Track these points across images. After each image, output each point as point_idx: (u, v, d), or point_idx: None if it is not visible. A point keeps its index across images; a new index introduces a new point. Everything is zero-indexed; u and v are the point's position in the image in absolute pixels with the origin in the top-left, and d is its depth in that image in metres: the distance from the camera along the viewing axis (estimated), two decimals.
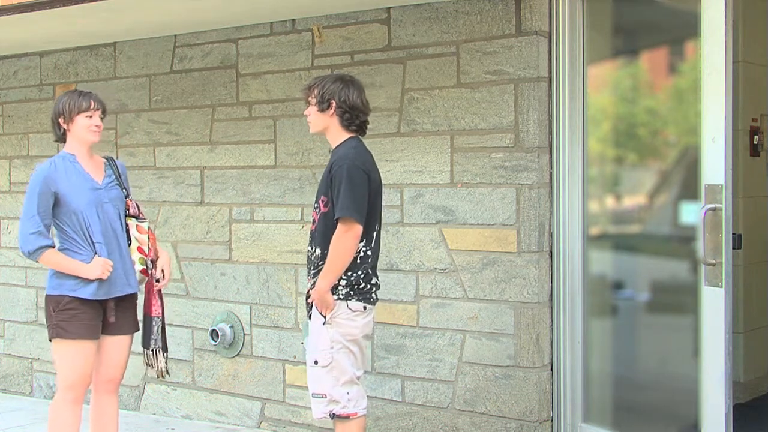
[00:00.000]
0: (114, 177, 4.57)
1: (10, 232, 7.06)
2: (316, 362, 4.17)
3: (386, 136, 5.29)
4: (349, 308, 4.18)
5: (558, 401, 4.92)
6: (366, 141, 5.35)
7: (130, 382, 6.39)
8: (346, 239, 4.09)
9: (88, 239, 4.39)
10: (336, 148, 4.27)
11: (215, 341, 5.96)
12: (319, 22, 5.54)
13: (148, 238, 4.59)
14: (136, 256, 4.56)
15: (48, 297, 4.43)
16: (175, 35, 6.15)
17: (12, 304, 7.07)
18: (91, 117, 4.45)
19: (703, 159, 4.04)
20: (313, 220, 4.27)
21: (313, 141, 5.56)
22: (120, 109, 6.43)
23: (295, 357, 5.70)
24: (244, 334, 5.91)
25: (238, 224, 5.94)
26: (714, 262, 3.99)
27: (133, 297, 4.58)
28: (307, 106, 4.33)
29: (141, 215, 4.62)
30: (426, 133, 5.18)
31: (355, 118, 4.27)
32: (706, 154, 4.00)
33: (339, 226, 4.09)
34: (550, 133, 4.89)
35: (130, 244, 4.55)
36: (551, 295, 4.91)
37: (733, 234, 4.02)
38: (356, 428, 4.25)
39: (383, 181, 5.13)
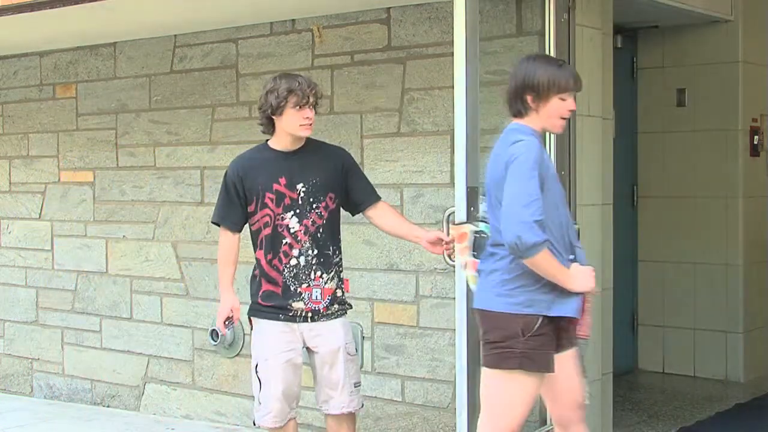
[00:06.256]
0: None
1: (10, 232, 7.06)
2: None
3: (386, 136, 5.28)
4: None
5: None
6: (365, 141, 5.37)
7: (129, 382, 6.39)
8: None
9: (566, 241, 3.46)
10: None
11: (215, 341, 5.96)
12: (319, 22, 5.53)
13: None
14: None
15: (509, 316, 3.39)
16: (175, 35, 6.15)
17: (12, 304, 7.06)
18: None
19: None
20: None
21: None
22: (120, 109, 6.43)
23: None
24: (244, 334, 5.90)
25: None
26: (453, 263, 4.19)
27: None
28: None
29: None
30: (426, 133, 5.17)
31: None
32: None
33: None
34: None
35: None
36: None
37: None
38: None
39: (382, 181, 5.14)
